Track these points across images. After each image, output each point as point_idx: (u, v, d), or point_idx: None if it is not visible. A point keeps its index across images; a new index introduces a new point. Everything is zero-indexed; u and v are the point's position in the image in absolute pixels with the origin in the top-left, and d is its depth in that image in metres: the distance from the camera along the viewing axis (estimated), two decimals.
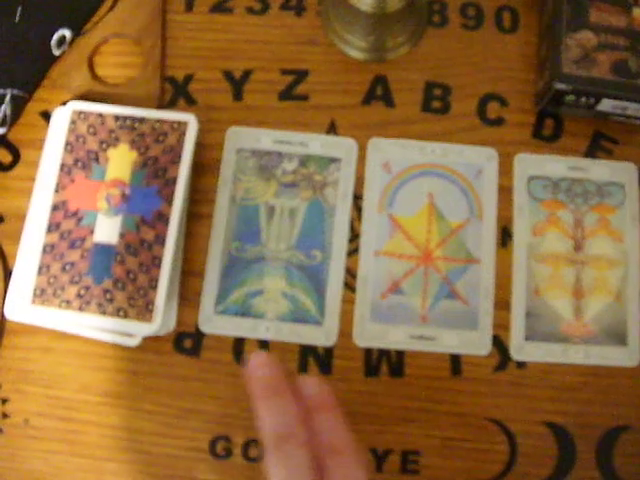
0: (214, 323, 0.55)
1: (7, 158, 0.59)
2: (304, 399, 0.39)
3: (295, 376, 0.40)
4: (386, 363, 0.54)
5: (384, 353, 0.54)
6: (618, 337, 0.55)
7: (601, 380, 0.54)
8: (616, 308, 0.55)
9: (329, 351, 0.54)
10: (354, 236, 0.56)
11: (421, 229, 0.56)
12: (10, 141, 0.59)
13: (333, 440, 0.37)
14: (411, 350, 0.54)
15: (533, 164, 0.57)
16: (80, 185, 0.54)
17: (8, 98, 0.56)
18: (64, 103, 0.57)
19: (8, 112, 0.56)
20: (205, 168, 0.57)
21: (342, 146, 0.57)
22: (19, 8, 0.57)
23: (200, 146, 0.56)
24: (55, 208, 0.54)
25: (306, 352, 0.54)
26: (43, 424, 0.54)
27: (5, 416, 0.54)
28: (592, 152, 0.58)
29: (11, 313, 0.53)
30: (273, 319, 0.54)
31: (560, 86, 0.54)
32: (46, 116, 0.58)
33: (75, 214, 0.54)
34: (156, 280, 0.52)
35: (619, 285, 0.55)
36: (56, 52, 0.58)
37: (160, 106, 0.58)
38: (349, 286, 0.55)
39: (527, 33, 0.61)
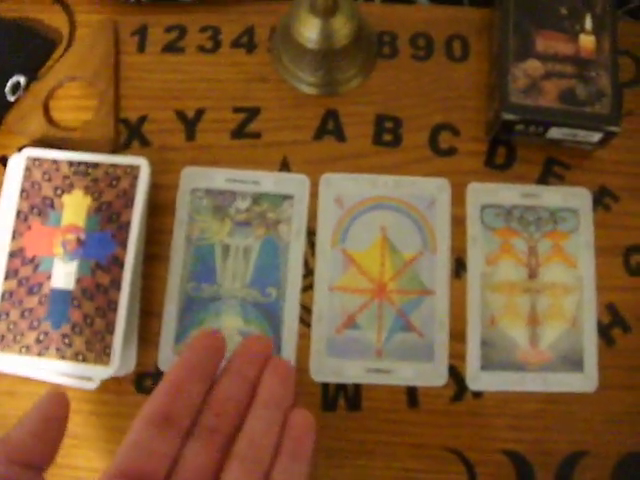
0: (173, 362, 0.55)
1: None
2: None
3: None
4: (343, 397, 0.55)
5: (341, 387, 0.55)
6: (575, 363, 0.55)
7: (559, 407, 0.54)
8: (572, 334, 0.55)
9: None
10: (308, 272, 0.56)
11: (374, 263, 0.56)
12: None
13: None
14: (368, 383, 0.55)
15: (486, 193, 0.58)
16: (36, 231, 0.55)
17: None
18: (21, 148, 0.57)
19: None
20: (161, 209, 0.58)
21: (294, 183, 0.58)
22: None
23: (155, 187, 0.57)
24: (12, 255, 0.55)
25: None
26: None
27: None
28: (545, 178, 0.58)
29: None
30: None
31: (508, 116, 0.55)
32: (4, 162, 0.59)
33: (32, 260, 0.55)
34: (113, 324, 0.53)
35: (574, 311, 0.56)
36: (11, 98, 0.59)
37: (115, 148, 0.59)
38: (305, 322, 0.56)
39: (478, 61, 0.61)
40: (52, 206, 0.55)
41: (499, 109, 0.55)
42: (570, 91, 0.55)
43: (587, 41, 0.56)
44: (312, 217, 0.58)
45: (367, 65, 0.60)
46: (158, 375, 0.55)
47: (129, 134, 0.60)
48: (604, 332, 0.56)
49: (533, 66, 0.56)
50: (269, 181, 0.58)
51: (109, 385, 0.54)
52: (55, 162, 0.56)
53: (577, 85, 0.55)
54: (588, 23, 0.56)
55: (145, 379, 0.55)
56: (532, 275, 0.56)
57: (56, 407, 0.39)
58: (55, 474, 0.54)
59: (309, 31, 0.56)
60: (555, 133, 0.56)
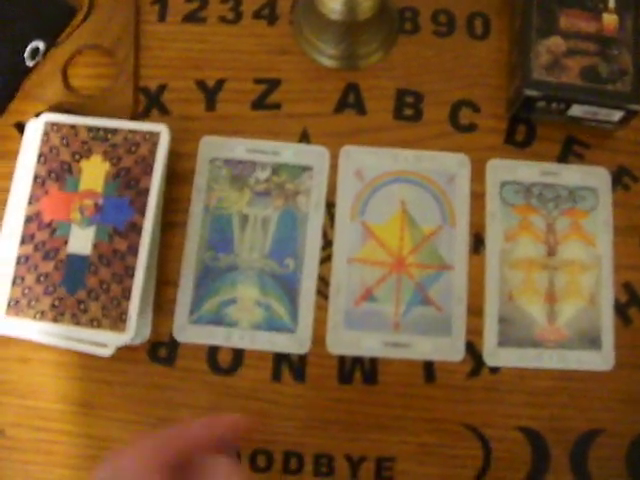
0: (188, 332, 0.55)
1: None
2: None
3: None
4: (360, 370, 0.54)
5: (358, 360, 0.55)
6: (592, 341, 0.55)
7: (575, 384, 0.54)
8: (589, 312, 0.55)
9: (303, 359, 0.54)
10: (327, 244, 0.56)
11: (394, 236, 0.56)
12: None
13: None
14: (385, 357, 0.54)
15: (505, 170, 0.58)
16: (54, 197, 0.55)
17: None
18: (38, 114, 0.57)
19: None
20: (179, 177, 0.57)
21: (314, 154, 0.58)
22: None
23: (174, 155, 0.57)
24: (29, 220, 0.54)
25: (280, 360, 0.55)
26: (20, 435, 0.54)
27: None
28: (564, 157, 0.58)
29: None
30: (247, 327, 0.55)
31: (530, 92, 0.55)
32: (20, 127, 0.58)
33: (49, 225, 0.54)
34: (129, 290, 0.52)
35: (592, 289, 0.56)
36: (29, 63, 0.59)
37: (133, 116, 0.59)
38: (322, 294, 0.55)
39: (499, 39, 0.61)
40: (70, 171, 0.55)
41: (521, 85, 0.55)
42: (592, 69, 0.55)
43: (610, 20, 0.56)
44: (331, 189, 0.57)
45: (389, 40, 0.60)
46: (173, 344, 0.55)
47: (148, 103, 0.60)
48: (621, 311, 0.55)
49: (556, 43, 0.56)
50: (289, 152, 0.58)
51: (123, 354, 0.54)
52: (74, 127, 0.56)
53: (599, 63, 0.55)
54: (611, 2, 0.57)
55: (159, 348, 0.55)
56: (550, 252, 0.56)
57: None
58: (67, 442, 0.54)
59: (333, 2, 0.55)
60: (576, 111, 0.56)
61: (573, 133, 0.59)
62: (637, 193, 0.58)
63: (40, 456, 0.54)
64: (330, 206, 0.57)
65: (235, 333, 0.55)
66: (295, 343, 0.54)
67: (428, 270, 0.56)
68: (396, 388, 0.54)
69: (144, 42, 0.61)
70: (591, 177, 0.58)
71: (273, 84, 0.60)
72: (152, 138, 0.55)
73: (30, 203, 0.55)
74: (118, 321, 0.52)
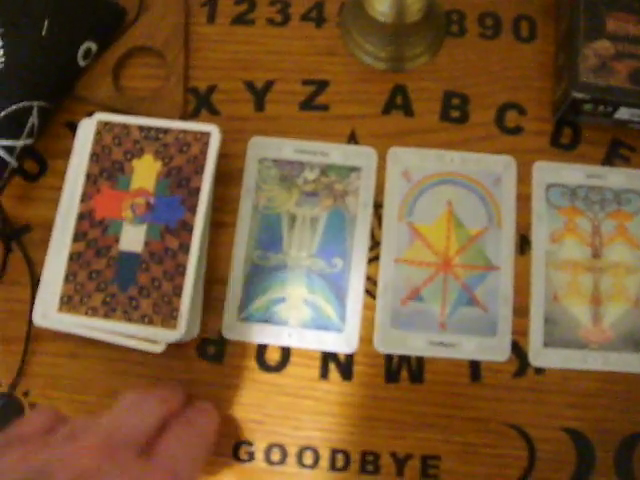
0: (237, 330, 0.56)
1: (34, 168, 0.60)
2: None
3: None
4: (406, 369, 0.55)
5: (404, 359, 0.55)
6: (636, 344, 0.55)
7: (619, 386, 0.54)
8: (635, 315, 0.55)
9: (350, 357, 0.55)
10: (374, 244, 0.57)
11: (440, 237, 0.57)
12: (37, 151, 0.60)
13: None
14: (431, 356, 0.55)
15: (551, 172, 0.58)
16: (106, 195, 0.55)
17: (35, 110, 0.57)
18: (89, 114, 0.58)
19: (35, 123, 0.58)
20: (228, 177, 0.58)
21: (362, 155, 0.58)
22: (46, 21, 0.58)
23: (223, 156, 0.57)
24: (81, 217, 0.55)
25: (327, 358, 0.55)
26: None
27: None
28: (610, 160, 0.59)
29: (39, 320, 0.54)
30: (295, 326, 0.55)
31: (578, 95, 0.55)
32: (72, 127, 0.60)
33: (101, 223, 0.55)
34: (180, 287, 0.53)
35: (637, 292, 0.56)
36: (82, 64, 0.60)
37: (183, 117, 0.59)
38: (370, 293, 0.56)
39: (545, 42, 0.61)
40: (122, 170, 0.56)
41: (569, 88, 0.55)
42: None
43: None
44: (379, 190, 0.58)
45: (435, 42, 0.60)
46: (222, 342, 0.56)
47: (198, 103, 0.60)
48: None
49: (604, 46, 0.56)
50: (337, 153, 0.58)
51: (172, 351, 0.54)
52: (126, 127, 0.57)
53: None
54: None
55: (208, 346, 0.56)
56: (596, 254, 0.57)
57: None
58: None
59: (382, 5, 0.56)
60: (624, 113, 0.56)
61: (619, 136, 0.59)
62: None
63: None
64: (378, 207, 0.57)
65: (284, 331, 0.55)
66: (343, 342, 0.55)
67: (474, 271, 0.56)
68: (442, 387, 0.55)
69: (194, 44, 0.62)
70: (636, 180, 0.58)
71: (321, 85, 0.60)
72: (203, 138, 0.56)
73: (82, 201, 0.55)
74: (169, 318, 0.53)
